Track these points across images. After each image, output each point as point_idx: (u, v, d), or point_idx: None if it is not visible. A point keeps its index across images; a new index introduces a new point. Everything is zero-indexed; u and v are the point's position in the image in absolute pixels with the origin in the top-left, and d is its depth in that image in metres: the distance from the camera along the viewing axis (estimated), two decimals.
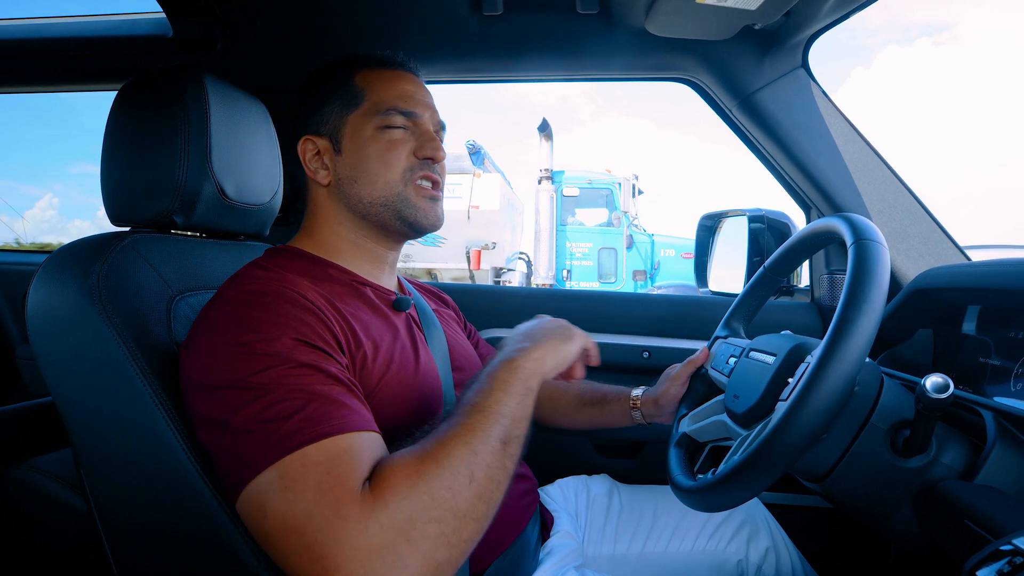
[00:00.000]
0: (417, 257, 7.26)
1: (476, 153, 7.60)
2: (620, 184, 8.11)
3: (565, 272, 7.84)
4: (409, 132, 0.74)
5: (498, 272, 7.54)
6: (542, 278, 7.29)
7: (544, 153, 7.38)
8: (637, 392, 0.97)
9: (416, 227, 0.75)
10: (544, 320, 0.73)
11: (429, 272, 7.36)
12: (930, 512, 0.59)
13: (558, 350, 0.67)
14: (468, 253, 7.20)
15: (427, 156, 0.74)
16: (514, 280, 7.65)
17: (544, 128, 7.24)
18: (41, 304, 0.63)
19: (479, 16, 1.03)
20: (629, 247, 7.96)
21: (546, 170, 7.38)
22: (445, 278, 7.28)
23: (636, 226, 8.33)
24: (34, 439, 0.87)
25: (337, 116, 0.74)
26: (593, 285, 7.85)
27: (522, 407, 0.59)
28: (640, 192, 8.58)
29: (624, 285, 7.86)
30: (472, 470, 0.51)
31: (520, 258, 7.96)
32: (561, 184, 7.93)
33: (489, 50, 1.13)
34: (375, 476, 0.50)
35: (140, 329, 0.62)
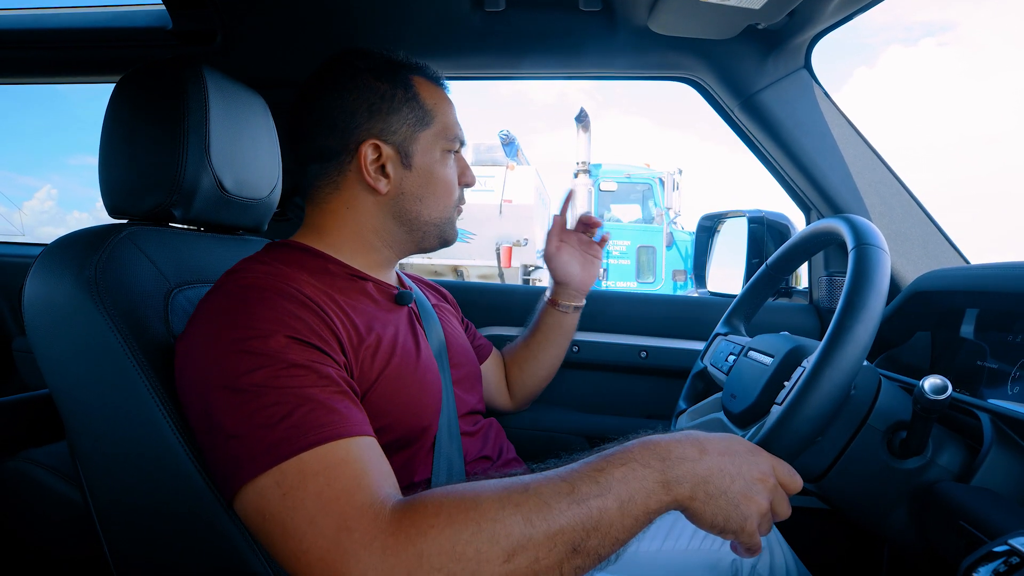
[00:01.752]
0: (443, 253, 6.65)
1: (510, 144, 7.14)
2: (661, 179, 7.57)
3: (602, 271, 7.13)
4: (455, 159, 0.78)
5: (528, 270, 7.05)
6: None
7: (581, 145, 6.80)
8: (547, 295, 1.04)
9: (447, 244, 0.80)
10: (742, 445, 0.54)
11: (455, 269, 6.93)
12: (925, 513, 0.60)
13: (722, 500, 0.50)
14: (498, 250, 6.71)
15: (467, 183, 0.79)
16: (544, 278, 7.25)
17: (582, 118, 6.70)
18: (38, 295, 0.63)
19: (481, 13, 1.03)
20: (669, 246, 7.45)
21: (583, 163, 6.85)
22: (472, 275, 6.89)
23: (676, 223, 7.83)
24: (30, 431, 0.87)
25: (408, 129, 0.73)
26: (631, 285, 7.37)
27: (622, 528, 0.48)
28: (677, 188, 7.93)
29: (663, 286, 7.40)
30: (515, 549, 0.45)
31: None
32: (598, 178, 7.38)
33: (490, 47, 1.13)
34: (406, 502, 0.48)
35: (137, 321, 0.62)
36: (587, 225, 1.01)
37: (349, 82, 0.73)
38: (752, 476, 0.52)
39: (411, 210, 0.74)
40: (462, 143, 0.78)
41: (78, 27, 1.19)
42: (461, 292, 1.15)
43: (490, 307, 1.29)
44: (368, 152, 0.71)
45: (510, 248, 6.75)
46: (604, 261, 7.32)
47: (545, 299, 1.04)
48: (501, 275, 6.77)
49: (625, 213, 7.83)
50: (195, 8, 1.07)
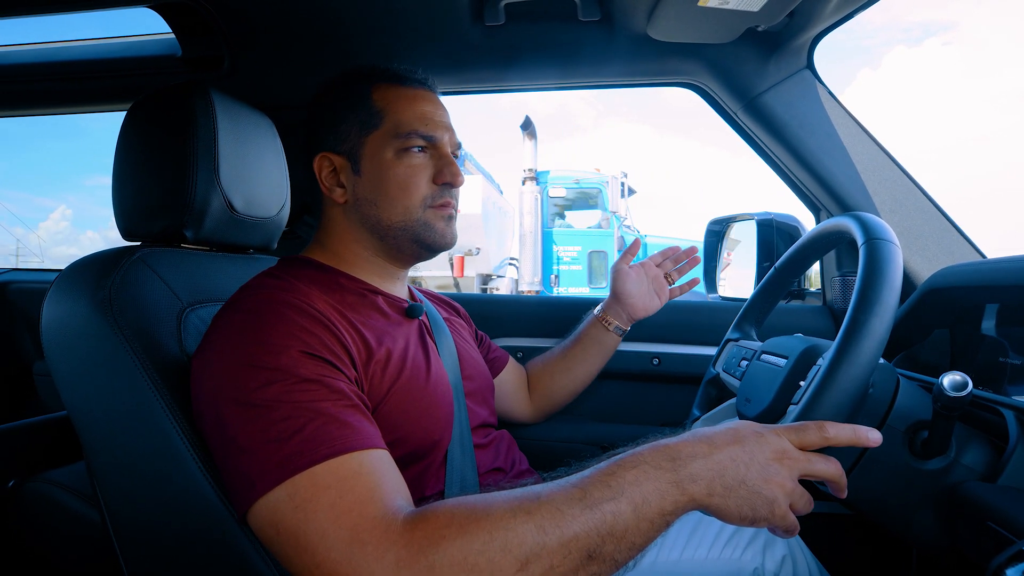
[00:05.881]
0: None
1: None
2: (608, 183, 7.73)
3: (553, 277, 7.51)
4: (428, 156, 0.74)
5: (485, 279, 7.16)
6: (527, 284, 6.94)
7: (527, 152, 7.04)
8: (597, 310, 1.03)
9: (433, 249, 0.75)
10: (749, 429, 0.52)
11: (413, 280, 7.06)
12: (952, 515, 0.58)
13: (742, 489, 0.48)
14: (451, 260, 6.82)
15: (446, 182, 0.74)
16: (503, 287, 7.32)
17: (527, 126, 6.91)
18: (54, 318, 0.64)
19: (481, 27, 1.04)
20: (620, 249, 7.44)
21: (530, 170, 7.06)
22: (430, 285, 6.99)
23: (628, 227, 7.99)
24: (50, 452, 0.88)
25: (355, 135, 0.73)
26: (583, 290, 7.51)
27: (638, 533, 0.46)
28: (631, 192, 8.15)
29: None
30: (528, 558, 0.44)
31: (511, 264, 7.59)
32: (547, 185, 7.59)
33: (491, 60, 1.14)
34: (417, 513, 0.48)
35: (151, 341, 0.63)
36: (675, 260, 1.03)
37: (313, 105, 0.76)
38: (766, 457, 0.50)
39: (371, 215, 0.73)
40: (427, 138, 0.73)
41: (92, 58, 1.22)
42: (474, 304, 1.15)
43: (501, 318, 1.29)
44: (322, 165, 0.74)
45: (462, 258, 6.85)
46: (556, 267, 7.41)
47: (593, 314, 1.04)
48: (456, 284, 6.87)
49: (580, 220, 8.02)
50: (204, 36, 1.10)
